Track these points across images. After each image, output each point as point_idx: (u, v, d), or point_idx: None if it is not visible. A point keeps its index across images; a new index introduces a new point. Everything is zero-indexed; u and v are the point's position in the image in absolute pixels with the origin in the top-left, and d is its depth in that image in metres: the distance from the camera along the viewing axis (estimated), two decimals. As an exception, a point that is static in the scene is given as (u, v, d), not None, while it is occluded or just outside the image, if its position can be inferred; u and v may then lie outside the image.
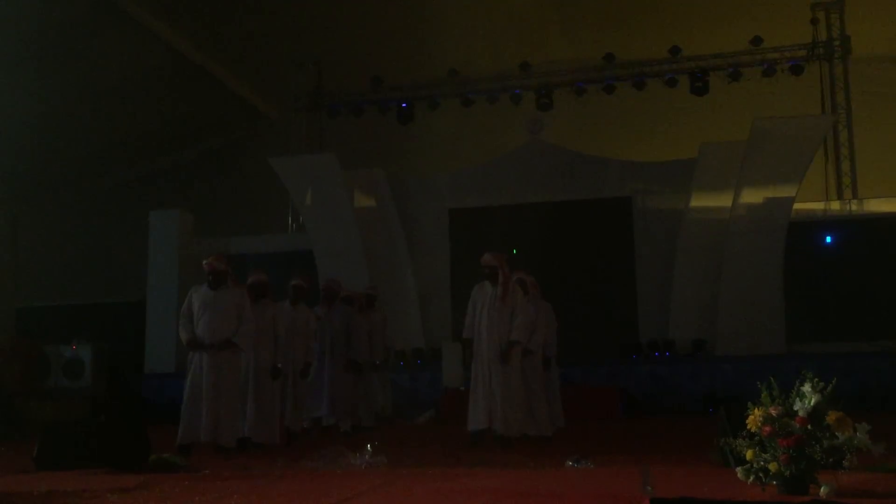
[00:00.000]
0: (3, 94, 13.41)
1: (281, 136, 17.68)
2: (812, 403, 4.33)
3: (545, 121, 15.58)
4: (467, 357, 8.21)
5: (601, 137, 16.58)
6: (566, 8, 15.66)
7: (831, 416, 4.28)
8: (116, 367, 14.47)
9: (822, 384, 4.38)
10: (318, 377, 9.77)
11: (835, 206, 14.37)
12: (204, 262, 7.89)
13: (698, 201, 14.25)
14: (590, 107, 16.18)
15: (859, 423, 4.28)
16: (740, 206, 13.69)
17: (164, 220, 15.58)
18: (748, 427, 4.44)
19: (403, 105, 16.55)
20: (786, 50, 15.26)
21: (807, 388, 4.39)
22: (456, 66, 16.09)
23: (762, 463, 4.35)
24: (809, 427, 4.29)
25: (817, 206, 14.34)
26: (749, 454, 4.42)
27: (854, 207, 14.23)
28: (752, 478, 4.41)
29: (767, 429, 4.35)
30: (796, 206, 13.63)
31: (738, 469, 4.52)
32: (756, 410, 4.43)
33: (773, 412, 4.37)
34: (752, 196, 13.66)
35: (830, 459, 4.26)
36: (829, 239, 14.10)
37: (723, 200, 13.93)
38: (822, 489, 4.20)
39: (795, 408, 4.36)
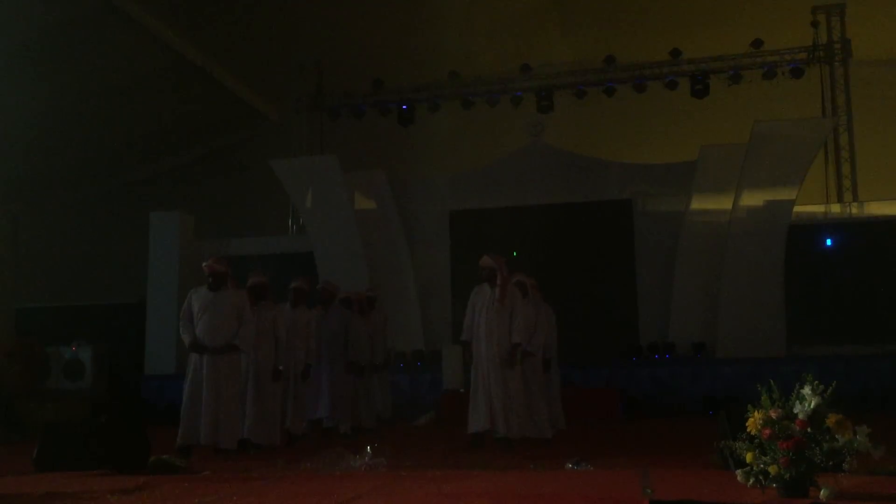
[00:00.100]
0: (5, 94, 13.42)
1: (281, 137, 17.69)
2: (812, 406, 4.33)
3: (545, 123, 15.57)
4: (467, 359, 8.21)
5: (602, 140, 16.60)
6: (566, 10, 15.68)
7: (831, 419, 4.28)
8: (116, 368, 14.47)
9: (822, 387, 4.38)
10: (317, 379, 9.77)
11: (835, 208, 14.36)
12: (204, 263, 7.90)
13: (698, 204, 14.25)
14: (590, 109, 16.20)
15: (859, 426, 4.28)
16: (741, 209, 13.68)
17: (164, 222, 15.58)
18: (748, 429, 4.44)
19: (404, 107, 16.55)
20: (786, 53, 15.26)
21: (807, 390, 4.39)
22: (456, 68, 16.10)
23: (762, 465, 4.35)
24: (809, 430, 4.29)
25: (818, 208, 14.33)
26: (749, 457, 4.42)
27: (854, 210, 14.23)
28: (751, 480, 4.41)
29: (767, 431, 4.35)
30: (797, 208, 13.63)
31: (738, 471, 4.52)
32: (756, 413, 4.43)
33: (773, 415, 4.37)
34: (753, 199, 13.66)
35: (830, 462, 4.26)
36: (829, 242, 14.09)
37: (723, 203, 13.92)
38: (822, 492, 4.20)
39: (795, 410, 4.36)
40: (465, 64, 16.04)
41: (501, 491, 5.06)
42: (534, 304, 8.65)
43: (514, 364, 7.88)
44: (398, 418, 11.80)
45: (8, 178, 15.93)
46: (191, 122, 17.79)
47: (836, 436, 4.25)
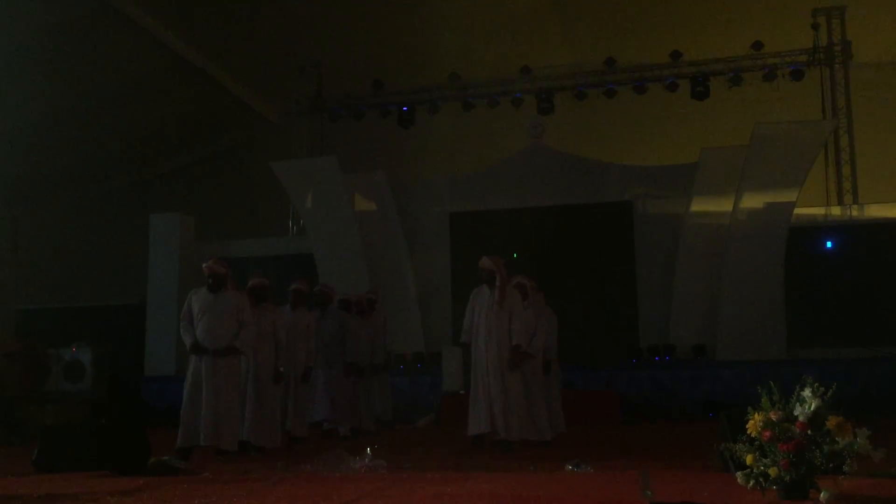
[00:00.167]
0: (5, 96, 13.44)
1: (282, 139, 17.71)
2: (812, 408, 4.33)
3: (546, 125, 15.57)
4: (466, 361, 8.20)
5: (602, 142, 16.60)
6: (567, 12, 15.68)
7: (831, 421, 4.28)
8: (116, 369, 14.46)
9: (822, 389, 4.38)
10: (315, 382, 9.76)
11: (835, 211, 14.36)
12: (204, 265, 7.90)
13: (699, 206, 14.24)
14: (591, 111, 16.21)
15: (859, 429, 4.28)
16: (741, 211, 13.68)
17: (164, 223, 15.58)
18: (748, 432, 4.44)
19: (404, 109, 16.57)
20: (787, 55, 15.27)
21: (807, 392, 4.38)
22: (457, 70, 16.11)
23: (762, 468, 4.35)
24: (810, 432, 4.28)
25: (818, 210, 14.33)
26: (749, 459, 4.42)
27: (855, 212, 14.23)
28: (752, 483, 4.41)
29: (768, 433, 4.35)
30: (797, 210, 13.62)
31: (738, 474, 4.51)
32: (756, 415, 4.43)
33: (774, 417, 4.36)
34: (753, 201, 13.65)
35: (831, 464, 4.26)
36: (829, 244, 14.09)
37: (723, 205, 13.91)
38: (822, 494, 4.20)
39: (796, 413, 4.36)
40: (465, 65, 16.05)
41: (501, 493, 5.06)
42: (533, 307, 8.64)
43: (516, 366, 7.87)
44: (398, 420, 11.79)
45: (8, 179, 15.96)
46: (191, 123, 17.81)
47: (837, 438, 4.25)
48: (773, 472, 4.28)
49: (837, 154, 14.86)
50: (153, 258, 15.46)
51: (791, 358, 13.04)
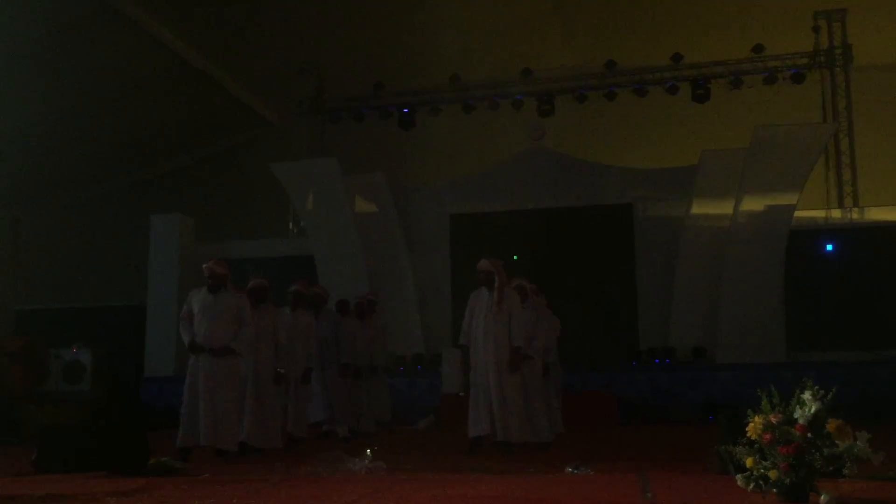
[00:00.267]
0: (6, 96, 13.44)
1: (282, 140, 17.72)
2: (812, 411, 4.32)
3: (546, 127, 15.59)
4: (466, 363, 8.19)
5: (602, 144, 16.60)
6: (568, 14, 15.69)
7: (831, 425, 4.27)
8: (116, 370, 14.46)
9: (822, 392, 4.38)
10: (314, 383, 9.75)
11: (836, 214, 14.37)
12: (204, 265, 7.89)
13: (699, 209, 14.25)
14: (591, 113, 16.22)
15: (859, 432, 4.27)
16: (741, 214, 13.68)
17: (165, 224, 15.60)
18: (748, 434, 4.43)
19: (405, 110, 16.59)
20: (787, 58, 15.28)
21: (807, 395, 4.38)
22: (457, 72, 16.12)
23: (762, 470, 4.34)
24: (809, 435, 4.28)
25: (818, 214, 14.34)
26: (749, 461, 4.41)
27: (855, 215, 14.23)
28: (752, 485, 4.40)
29: (767, 436, 4.34)
30: (797, 213, 13.64)
31: (738, 476, 4.51)
32: (756, 418, 4.42)
33: (774, 419, 4.36)
34: (753, 204, 13.66)
35: (830, 467, 4.25)
36: (829, 247, 14.10)
37: (724, 208, 13.92)
38: (822, 497, 4.19)
39: (795, 415, 4.36)
40: (466, 68, 16.06)
41: (501, 495, 5.06)
42: (534, 309, 8.63)
43: (516, 368, 7.86)
44: (398, 422, 11.80)
45: (8, 180, 15.95)
46: (192, 124, 17.82)
47: (837, 441, 4.24)
48: (773, 474, 4.27)
49: (838, 157, 14.87)
50: (153, 259, 15.48)
51: (791, 361, 13.05)
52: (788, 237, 13.46)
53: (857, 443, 4.23)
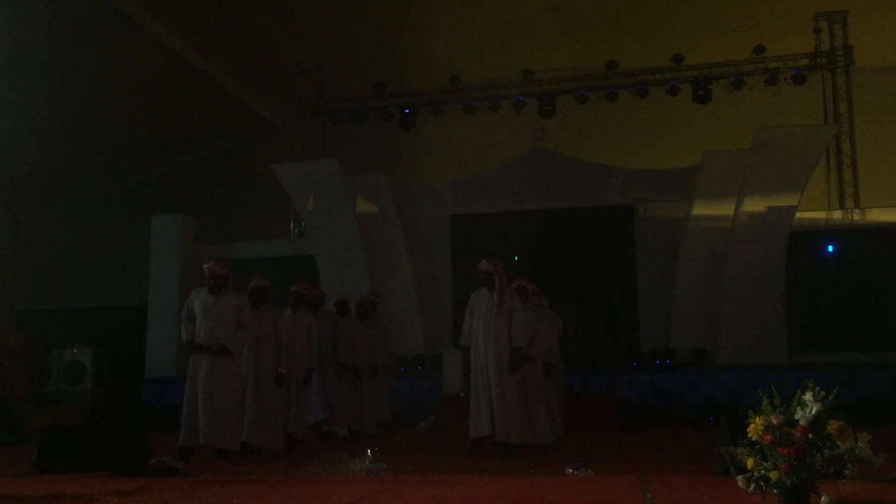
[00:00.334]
0: (6, 96, 13.44)
1: (283, 141, 17.73)
2: (813, 413, 4.31)
3: (547, 128, 15.59)
4: (466, 364, 8.19)
5: (603, 145, 16.61)
6: (569, 15, 15.68)
7: (832, 426, 4.27)
8: (117, 371, 14.46)
9: (823, 393, 4.37)
10: (313, 384, 9.75)
11: (837, 215, 14.36)
12: (205, 266, 7.89)
13: (700, 210, 14.25)
14: (592, 114, 16.22)
15: (860, 433, 4.27)
16: (742, 215, 13.68)
17: (166, 225, 15.60)
18: (749, 435, 4.43)
19: (406, 112, 16.60)
20: (788, 59, 15.28)
21: (808, 397, 4.37)
22: (458, 73, 16.13)
23: (763, 471, 4.33)
24: (810, 436, 4.27)
25: (819, 215, 14.34)
26: (750, 463, 4.41)
27: (856, 217, 14.22)
28: (752, 486, 4.39)
29: (768, 437, 4.33)
30: (798, 215, 13.63)
31: (739, 477, 4.50)
32: (757, 419, 4.42)
33: (775, 421, 4.35)
34: (755, 205, 13.66)
35: (831, 469, 4.24)
36: (831, 248, 14.09)
37: (725, 209, 13.92)
38: (822, 499, 4.19)
39: (796, 417, 4.35)
40: (466, 69, 16.06)
41: (502, 496, 5.05)
42: (536, 310, 8.63)
43: (516, 369, 7.86)
44: (398, 423, 11.79)
45: (8, 179, 15.94)
46: (193, 125, 17.82)
47: (838, 442, 4.24)
48: (773, 475, 4.27)
49: (839, 158, 14.86)
50: (154, 259, 15.48)
51: (792, 362, 13.04)
52: (789, 238, 13.46)
53: (858, 444, 4.22)
